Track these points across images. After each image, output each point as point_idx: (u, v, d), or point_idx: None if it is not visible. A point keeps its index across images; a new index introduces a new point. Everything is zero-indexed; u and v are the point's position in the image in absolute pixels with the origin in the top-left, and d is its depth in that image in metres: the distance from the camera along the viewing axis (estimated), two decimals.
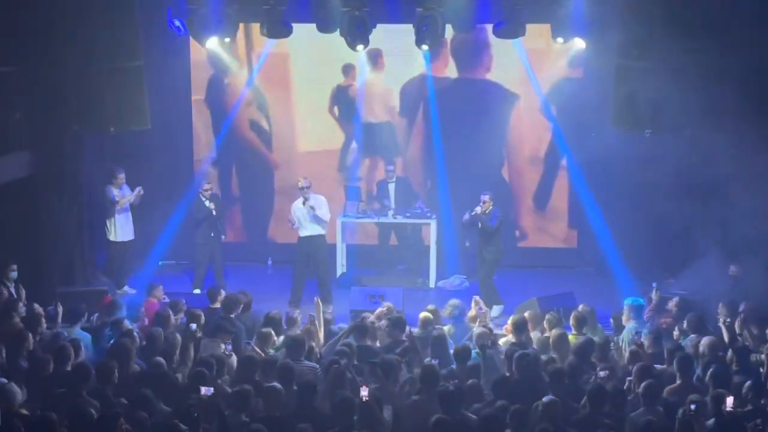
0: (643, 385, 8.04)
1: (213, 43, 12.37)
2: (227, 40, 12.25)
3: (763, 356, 9.14)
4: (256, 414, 7.78)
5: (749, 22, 10.55)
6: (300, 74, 14.92)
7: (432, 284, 14.06)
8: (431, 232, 14.08)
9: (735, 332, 9.80)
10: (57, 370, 8.63)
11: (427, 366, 8.43)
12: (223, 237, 13.91)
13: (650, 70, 10.61)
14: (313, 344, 9.61)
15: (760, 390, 8.06)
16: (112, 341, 9.52)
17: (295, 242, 13.26)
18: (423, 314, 10.36)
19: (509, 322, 10.02)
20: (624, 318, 10.34)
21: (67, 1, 11.19)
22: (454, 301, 10.83)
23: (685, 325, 9.95)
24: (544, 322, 10.15)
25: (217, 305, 10.77)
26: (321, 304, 10.76)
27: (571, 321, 10.12)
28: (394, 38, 13.47)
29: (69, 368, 8.56)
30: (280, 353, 9.37)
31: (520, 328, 9.73)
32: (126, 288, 13.45)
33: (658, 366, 9.05)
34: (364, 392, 7.57)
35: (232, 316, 10.25)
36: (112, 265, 13.65)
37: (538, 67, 14.38)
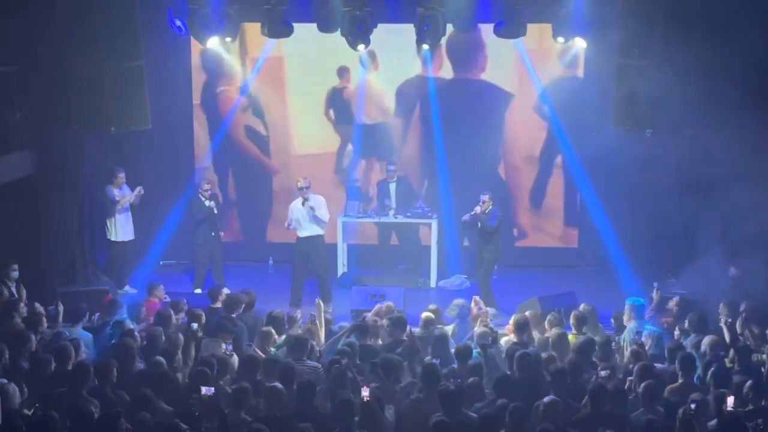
0: (643, 384, 8.04)
1: (214, 42, 12.37)
2: (228, 39, 12.25)
3: (764, 356, 9.15)
4: (257, 413, 7.77)
5: (750, 18, 10.53)
6: (295, 77, 14.91)
7: (433, 284, 14.05)
8: (432, 231, 14.07)
9: (736, 332, 9.79)
10: (57, 370, 8.64)
11: (428, 365, 8.42)
12: (222, 233, 13.95)
13: (651, 69, 10.60)
14: (314, 343, 9.60)
15: (762, 390, 8.05)
16: (113, 341, 9.52)
17: (293, 242, 13.24)
18: (425, 314, 10.37)
19: (511, 321, 10.02)
20: (625, 318, 10.33)
21: (67, 0, 11.20)
22: (458, 301, 10.84)
23: (686, 324, 9.94)
24: (546, 322, 10.15)
25: (218, 305, 10.76)
26: (322, 304, 10.75)
27: (572, 320, 10.12)
28: (388, 39, 13.38)
29: (69, 368, 8.56)
30: (281, 352, 9.38)
31: (521, 327, 9.73)
32: (127, 288, 13.45)
33: (658, 365, 9.05)
34: (365, 392, 7.56)
35: (234, 315, 10.25)
36: (112, 264, 13.65)
37: (531, 66, 14.41)
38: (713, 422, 7.56)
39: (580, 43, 12.43)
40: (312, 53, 14.34)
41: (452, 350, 9.36)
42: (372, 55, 14.39)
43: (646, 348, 9.51)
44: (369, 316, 10.43)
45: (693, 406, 7.29)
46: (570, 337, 9.83)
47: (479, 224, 12.82)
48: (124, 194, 13.49)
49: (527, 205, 15.03)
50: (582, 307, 10.53)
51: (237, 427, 7.48)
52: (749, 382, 8.04)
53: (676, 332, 10.09)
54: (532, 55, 14.30)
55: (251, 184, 15.28)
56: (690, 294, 11.34)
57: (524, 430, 7.56)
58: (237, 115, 15.00)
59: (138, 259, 13.97)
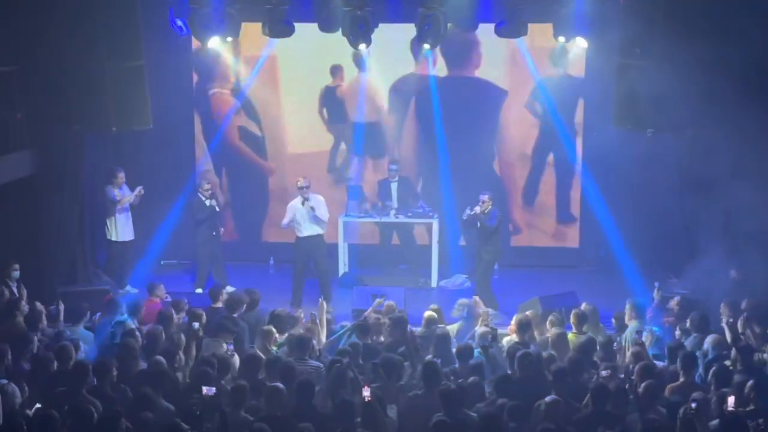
0: (644, 384, 8.04)
1: (215, 42, 12.36)
2: (229, 39, 12.24)
3: (765, 355, 9.14)
4: (258, 413, 7.77)
5: (750, 17, 10.54)
6: (288, 76, 14.89)
7: (434, 284, 14.04)
8: (433, 231, 14.06)
9: (737, 332, 9.78)
10: (58, 370, 8.64)
11: (428, 363, 8.42)
12: (222, 229, 14.00)
13: (652, 68, 10.61)
14: (314, 342, 9.60)
15: (764, 390, 8.03)
16: (115, 340, 9.52)
17: (290, 242, 13.23)
18: (428, 313, 10.38)
19: (513, 321, 10.01)
20: (626, 317, 10.33)
21: (68, 0, 11.19)
22: (463, 300, 10.86)
23: (688, 324, 9.93)
24: (547, 321, 10.16)
25: (219, 305, 10.75)
26: (325, 304, 10.74)
27: (572, 319, 10.13)
28: (381, 37, 13.32)
29: (70, 367, 8.56)
30: (282, 351, 9.38)
31: (523, 327, 9.72)
32: (128, 287, 13.44)
33: (659, 363, 9.04)
34: (366, 392, 7.56)
35: (235, 315, 10.24)
36: (112, 264, 13.65)
37: (525, 64, 14.42)
38: (715, 422, 7.55)
39: (580, 43, 12.40)
40: (304, 52, 14.30)
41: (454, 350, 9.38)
42: (366, 55, 14.38)
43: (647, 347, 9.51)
44: (368, 313, 10.44)
45: (694, 405, 7.28)
46: (570, 336, 9.84)
47: (478, 224, 12.81)
48: (123, 194, 13.49)
49: (520, 203, 15.03)
50: (583, 306, 10.54)
51: (237, 427, 7.48)
52: (751, 382, 8.03)
53: (677, 332, 10.09)
54: (519, 54, 14.34)
55: (245, 183, 15.25)
56: (691, 294, 11.35)
57: (524, 430, 7.56)
58: (232, 116, 15.01)
59: (139, 259, 13.96)
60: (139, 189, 13.50)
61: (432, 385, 8.10)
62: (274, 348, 9.48)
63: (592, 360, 9.21)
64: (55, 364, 8.68)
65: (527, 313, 10.41)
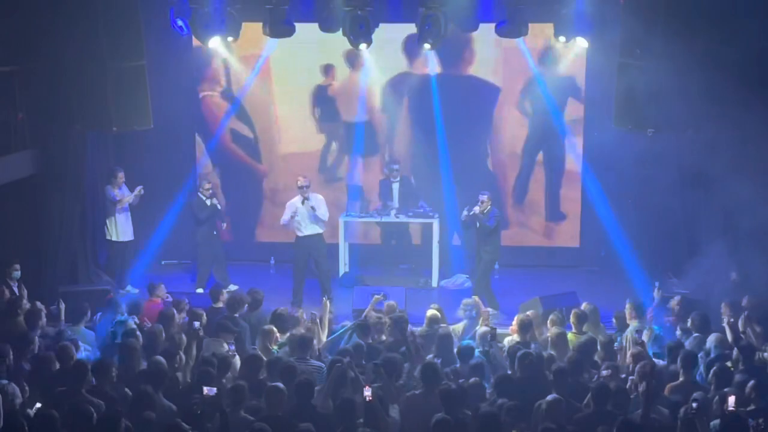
0: (643, 384, 8.04)
1: (215, 42, 12.37)
2: (230, 39, 12.25)
3: (766, 354, 9.14)
4: (259, 413, 7.78)
5: (751, 16, 10.55)
6: (279, 76, 14.89)
7: (435, 283, 14.05)
8: (434, 231, 14.06)
9: (738, 331, 9.78)
10: (59, 369, 8.65)
11: (427, 364, 8.43)
12: (224, 225, 14.03)
13: (652, 68, 10.61)
14: (314, 342, 9.61)
15: (765, 390, 8.04)
16: (117, 340, 9.53)
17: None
18: (430, 312, 10.39)
19: (514, 321, 10.02)
20: (627, 317, 10.34)
21: (70, 0, 11.20)
22: (469, 300, 10.85)
23: (689, 323, 9.94)
24: (548, 321, 10.17)
25: (220, 305, 10.76)
26: (329, 304, 10.73)
27: (571, 318, 10.14)
28: (375, 37, 13.25)
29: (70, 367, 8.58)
30: (282, 351, 9.38)
31: (525, 327, 9.73)
32: (128, 287, 13.44)
33: (659, 362, 9.05)
34: (368, 392, 7.56)
35: (237, 315, 10.25)
36: (112, 264, 13.65)
37: (516, 64, 14.49)
38: (715, 422, 7.56)
39: (581, 43, 12.41)
40: (296, 51, 14.27)
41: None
42: (357, 54, 14.37)
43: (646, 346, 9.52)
44: (368, 311, 10.47)
45: (695, 405, 7.29)
46: (570, 336, 9.84)
47: (478, 224, 12.81)
48: (123, 194, 13.50)
49: (510, 201, 15.04)
50: (584, 306, 10.55)
51: (238, 427, 7.49)
52: (752, 382, 8.04)
53: (678, 332, 10.09)
54: (510, 54, 14.40)
55: (238, 184, 15.20)
56: (691, 294, 11.36)
57: (524, 430, 7.57)
58: (224, 118, 15.03)
59: (139, 258, 13.96)
60: (138, 189, 13.50)
61: (431, 385, 8.11)
62: (275, 348, 9.49)
63: (592, 360, 9.22)
64: (57, 364, 8.70)
65: (528, 313, 10.42)
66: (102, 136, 13.16)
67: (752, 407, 7.87)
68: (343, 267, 14.26)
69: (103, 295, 11.82)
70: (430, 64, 14.62)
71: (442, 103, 14.56)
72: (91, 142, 12.91)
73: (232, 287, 13.35)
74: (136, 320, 10.27)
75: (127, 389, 8.22)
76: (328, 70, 14.84)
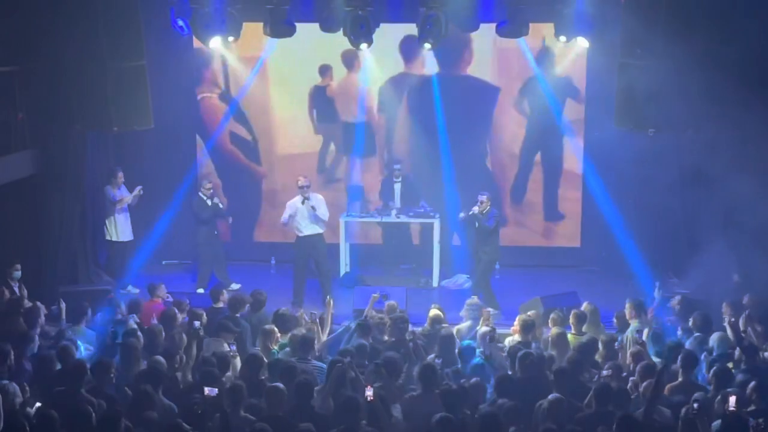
0: (645, 384, 8.03)
1: (216, 42, 12.37)
2: (231, 39, 12.25)
3: (767, 354, 9.14)
4: (259, 413, 7.77)
5: (752, 15, 10.55)
6: (276, 76, 14.89)
7: (435, 283, 14.04)
8: (434, 231, 14.06)
9: (740, 331, 9.77)
10: (59, 369, 8.65)
11: (426, 365, 8.41)
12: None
13: (653, 68, 10.61)
14: (316, 342, 9.60)
15: (766, 390, 8.03)
16: (116, 340, 9.52)
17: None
18: (433, 312, 10.38)
19: (516, 321, 10.01)
20: (626, 316, 10.33)
21: (70, 0, 11.20)
22: (473, 300, 10.85)
23: (690, 323, 9.93)
24: (549, 321, 10.17)
25: (220, 305, 10.75)
26: (332, 303, 10.70)
27: (571, 319, 10.13)
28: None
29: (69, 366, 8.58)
30: (284, 352, 9.37)
31: (527, 328, 9.72)
32: (129, 287, 13.43)
33: (658, 361, 9.05)
34: (369, 392, 7.56)
35: (238, 315, 10.24)
36: (112, 264, 13.64)
37: (514, 64, 14.51)
38: (717, 422, 7.54)
39: (582, 43, 12.41)
40: (293, 52, 14.25)
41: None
42: (354, 55, 14.40)
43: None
44: (368, 311, 10.46)
45: (696, 405, 7.28)
46: (569, 336, 9.83)
47: (477, 224, 12.80)
48: (122, 194, 13.49)
49: (509, 201, 15.03)
50: (584, 306, 10.54)
51: (238, 427, 7.48)
52: (753, 383, 8.03)
53: (679, 331, 10.09)
54: (507, 54, 14.43)
55: (238, 184, 15.18)
56: (692, 293, 11.35)
57: (523, 429, 7.56)
58: (223, 120, 15.04)
59: (140, 258, 13.94)
60: (138, 189, 13.50)
61: (429, 386, 8.11)
62: (275, 348, 9.48)
63: (593, 360, 9.21)
64: (58, 364, 8.70)
65: (529, 313, 10.42)
66: (102, 136, 13.16)
67: (753, 407, 7.86)
68: (344, 267, 14.26)
69: (103, 295, 11.83)
70: (428, 64, 14.62)
71: (441, 103, 14.56)
72: (91, 142, 12.91)
73: (235, 286, 13.39)
74: (137, 320, 10.27)
75: (127, 389, 8.21)
76: (325, 70, 14.83)
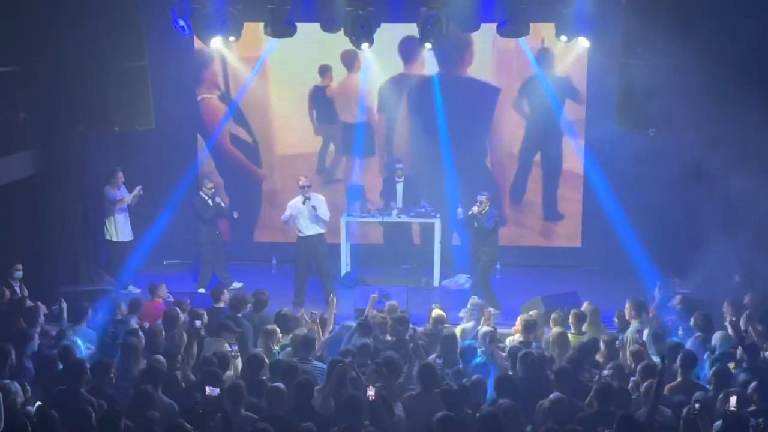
0: (646, 384, 8.03)
1: (217, 42, 12.38)
2: (232, 39, 12.26)
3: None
4: (260, 413, 7.78)
5: (752, 14, 10.56)
6: (276, 76, 14.88)
7: (436, 283, 14.05)
8: (435, 231, 14.06)
9: (741, 330, 9.78)
10: (61, 369, 8.67)
11: (425, 364, 8.42)
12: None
13: (654, 68, 10.62)
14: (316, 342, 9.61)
15: (766, 390, 8.04)
16: (117, 340, 9.54)
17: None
18: (436, 311, 10.38)
19: (518, 321, 10.02)
20: (626, 316, 10.34)
21: (71, 0, 11.21)
22: (477, 301, 10.86)
23: (692, 323, 9.93)
24: (550, 321, 10.17)
25: (221, 305, 10.76)
26: (335, 301, 10.71)
27: (570, 318, 10.13)
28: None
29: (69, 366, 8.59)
30: (285, 353, 9.38)
31: (529, 328, 9.73)
32: (130, 287, 13.44)
33: (658, 360, 9.05)
34: (371, 392, 7.56)
35: (239, 315, 10.25)
36: (112, 264, 13.64)
37: (514, 64, 14.54)
38: (718, 423, 7.54)
39: (582, 43, 12.41)
40: (294, 52, 14.25)
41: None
42: (353, 55, 14.41)
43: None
44: (368, 311, 10.45)
45: (697, 406, 7.28)
46: (569, 336, 9.84)
47: (476, 224, 12.81)
48: (122, 194, 13.49)
49: (508, 201, 15.03)
50: (585, 306, 10.55)
51: (240, 425, 7.49)
52: (754, 383, 8.04)
53: (680, 331, 10.09)
54: (505, 55, 14.45)
55: (238, 184, 15.17)
56: (693, 293, 11.35)
57: (523, 428, 7.57)
58: (223, 121, 15.05)
59: (141, 258, 13.93)
60: (137, 189, 13.50)
61: (428, 385, 8.12)
62: (276, 349, 9.48)
63: (593, 360, 9.21)
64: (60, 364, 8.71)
65: (531, 313, 10.42)
66: (103, 136, 13.16)
67: (753, 407, 7.86)
68: (345, 267, 14.26)
69: (104, 295, 11.82)
70: (428, 64, 14.64)
71: (441, 103, 14.57)
72: (93, 142, 12.91)
73: (236, 285, 13.41)
74: (138, 320, 10.28)
75: (127, 388, 8.22)
76: (325, 70, 14.84)
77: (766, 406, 7.86)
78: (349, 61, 14.68)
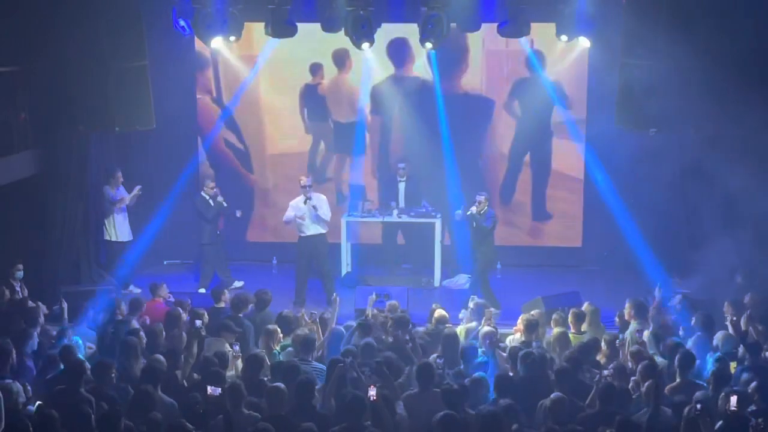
0: (646, 384, 8.03)
1: (218, 43, 12.39)
2: (232, 39, 12.26)
3: None
4: (260, 413, 7.78)
5: (753, 14, 10.56)
6: (267, 75, 14.87)
7: (437, 283, 14.04)
8: (436, 231, 14.06)
9: (741, 330, 9.78)
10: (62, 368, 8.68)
11: (423, 364, 8.41)
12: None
13: (654, 68, 10.62)
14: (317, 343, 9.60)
15: (767, 390, 8.04)
16: (117, 340, 9.54)
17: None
18: (439, 311, 10.37)
19: (520, 321, 10.02)
20: (626, 316, 10.34)
21: (72, 0, 11.22)
22: (480, 301, 10.86)
23: (692, 322, 9.93)
24: (551, 321, 10.17)
25: (222, 305, 10.76)
26: (338, 300, 10.71)
27: (570, 318, 10.13)
28: None
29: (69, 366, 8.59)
30: (285, 353, 9.38)
31: (531, 328, 9.73)
32: (131, 287, 13.44)
33: (659, 359, 9.05)
34: (372, 392, 7.56)
35: (241, 315, 10.24)
36: (112, 264, 13.63)
37: (499, 66, 14.57)
38: (720, 423, 7.54)
39: (583, 42, 12.42)
40: (284, 50, 14.22)
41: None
42: (345, 54, 14.40)
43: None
44: (369, 311, 10.45)
45: (699, 406, 7.28)
46: (570, 336, 9.83)
47: (474, 224, 12.81)
48: (121, 194, 13.50)
49: (498, 200, 14.99)
50: (585, 306, 10.54)
51: (241, 425, 7.49)
52: (754, 383, 8.04)
53: (681, 331, 10.09)
54: (495, 56, 14.49)
55: (232, 184, 15.10)
56: (693, 293, 11.35)
57: (523, 427, 7.58)
58: (217, 122, 15.06)
59: (142, 258, 13.93)
60: (137, 189, 13.50)
61: (427, 384, 8.12)
62: (277, 349, 9.48)
63: (593, 359, 9.21)
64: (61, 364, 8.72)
65: (533, 312, 10.42)
66: (104, 136, 13.16)
67: (753, 407, 7.86)
68: (346, 267, 14.26)
69: (105, 295, 11.82)
70: (420, 65, 14.63)
71: (437, 103, 14.57)
72: (93, 142, 12.91)
73: (238, 284, 13.42)
74: (138, 320, 10.28)
75: (127, 388, 8.22)
76: (316, 69, 14.84)
77: (766, 406, 7.86)
78: (341, 59, 14.69)
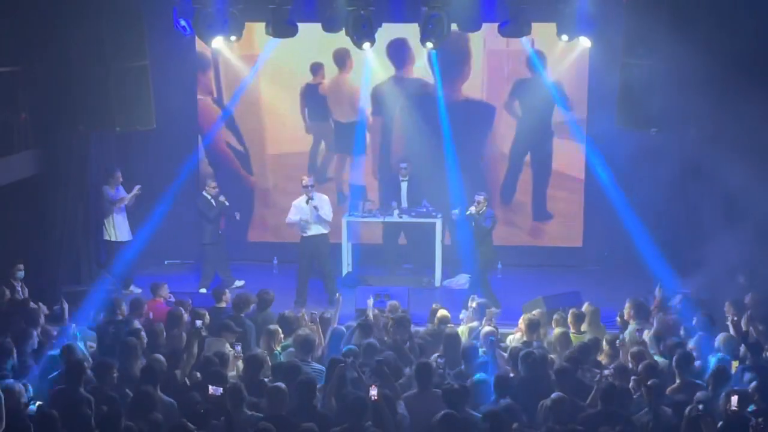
0: (646, 384, 8.03)
1: (218, 42, 12.38)
2: (233, 39, 12.27)
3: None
4: (260, 412, 7.78)
5: (755, 14, 10.56)
6: (268, 75, 14.88)
7: (438, 283, 14.04)
8: (437, 231, 14.06)
9: (742, 330, 9.77)
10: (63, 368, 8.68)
11: (422, 363, 8.40)
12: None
13: (655, 67, 10.62)
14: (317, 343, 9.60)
15: (767, 390, 8.03)
16: (117, 340, 9.53)
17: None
18: (441, 311, 10.37)
19: (521, 321, 10.01)
20: (626, 315, 10.33)
21: (72, 0, 11.22)
22: (478, 300, 10.86)
23: (693, 322, 9.92)
24: (552, 321, 10.17)
25: (223, 305, 10.75)
26: (341, 300, 10.69)
27: (569, 318, 10.12)
28: None
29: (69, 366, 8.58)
30: (286, 353, 9.37)
31: (532, 327, 9.73)
32: (132, 287, 13.44)
33: (659, 359, 9.05)
34: (374, 392, 7.56)
35: (242, 315, 10.24)
36: (112, 264, 13.61)
37: (499, 66, 14.59)
38: (720, 423, 7.54)
39: (584, 42, 12.42)
40: (284, 50, 14.21)
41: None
42: (347, 53, 14.40)
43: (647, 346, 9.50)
44: (369, 312, 10.44)
45: (700, 406, 7.27)
46: (570, 336, 9.83)
47: (473, 224, 12.81)
48: (120, 194, 13.50)
49: (498, 200, 15.01)
50: (585, 306, 10.54)
51: (242, 425, 7.49)
52: (754, 383, 8.03)
53: (681, 331, 10.08)
54: (496, 56, 14.51)
55: (233, 184, 15.10)
56: (694, 292, 11.34)
57: (523, 427, 7.57)
58: (217, 123, 15.07)
59: (142, 258, 13.92)
60: (136, 189, 13.50)
61: (425, 384, 8.11)
62: (278, 349, 9.48)
63: (593, 359, 9.20)
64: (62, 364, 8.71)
65: (534, 312, 10.42)
66: (104, 136, 13.16)
67: (753, 407, 7.85)
68: (346, 267, 14.25)
69: (105, 295, 11.81)
70: (420, 65, 14.61)
71: (438, 105, 14.58)
72: (94, 142, 12.92)
73: (239, 283, 13.42)
74: (139, 320, 10.27)
75: (125, 388, 8.22)
76: (317, 68, 14.84)
77: (767, 406, 7.85)
78: (341, 59, 14.70)
